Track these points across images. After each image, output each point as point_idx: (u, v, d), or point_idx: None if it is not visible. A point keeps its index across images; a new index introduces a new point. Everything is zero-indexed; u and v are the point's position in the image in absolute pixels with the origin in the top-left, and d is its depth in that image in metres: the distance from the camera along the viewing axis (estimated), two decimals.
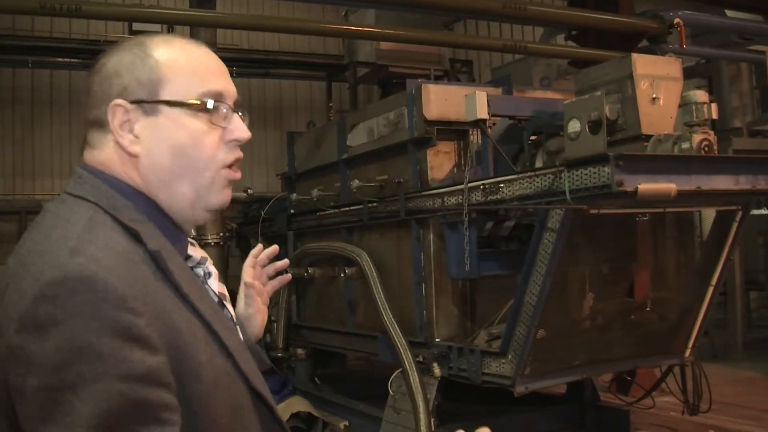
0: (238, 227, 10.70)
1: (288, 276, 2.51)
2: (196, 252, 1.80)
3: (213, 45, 8.61)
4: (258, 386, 1.67)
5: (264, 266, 2.43)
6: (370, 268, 6.80)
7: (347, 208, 7.66)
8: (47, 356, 1.32)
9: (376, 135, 7.37)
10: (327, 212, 8.06)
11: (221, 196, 1.76)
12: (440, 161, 6.61)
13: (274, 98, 14.86)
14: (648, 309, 6.26)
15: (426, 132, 6.50)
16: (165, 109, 1.66)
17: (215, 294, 1.80)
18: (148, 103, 1.65)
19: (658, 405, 7.36)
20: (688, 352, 6.43)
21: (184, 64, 1.70)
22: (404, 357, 6.17)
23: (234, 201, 8.47)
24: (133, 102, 1.64)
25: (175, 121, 1.67)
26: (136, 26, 13.11)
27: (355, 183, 7.37)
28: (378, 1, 8.83)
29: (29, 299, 1.36)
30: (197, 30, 8.73)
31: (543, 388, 6.07)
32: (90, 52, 13.09)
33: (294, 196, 8.96)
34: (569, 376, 6.08)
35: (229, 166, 1.76)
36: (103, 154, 1.68)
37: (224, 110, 1.73)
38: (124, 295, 1.38)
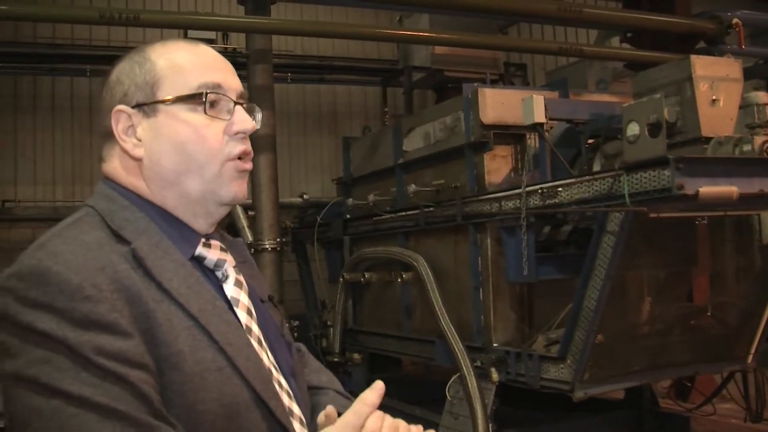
0: (294, 231, 10.72)
1: None
2: (212, 254, 1.75)
3: (268, 51, 8.68)
4: (260, 388, 1.60)
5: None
6: (426, 272, 6.80)
7: (403, 213, 7.66)
8: (7, 347, 1.39)
9: (433, 139, 7.37)
10: (383, 217, 8.08)
11: (232, 189, 1.73)
12: (497, 165, 6.59)
13: (328, 104, 14.89)
14: (708, 314, 6.19)
15: (483, 136, 6.49)
16: (163, 107, 1.69)
17: (225, 298, 1.72)
18: (147, 104, 1.69)
19: (719, 412, 7.27)
20: (750, 358, 6.35)
21: (179, 61, 1.72)
22: (462, 362, 6.16)
23: (290, 206, 8.49)
24: (134, 107, 1.69)
25: (174, 117, 1.68)
26: (191, 34, 13.28)
27: (412, 188, 7.37)
28: (432, 5, 8.84)
29: None
30: (252, 37, 8.79)
31: (601, 393, 6.03)
32: None
33: (350, 201, 8.98)
34: (628, 381, 6.04)
35: (239, 159, 1.73)
36: (110, 165, 1.74)
37: (224, 102, 1.72)
38: (79, 285, 1.40)
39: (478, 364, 6.22)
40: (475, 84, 6.89)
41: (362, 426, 1.56)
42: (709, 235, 6.24)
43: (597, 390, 5.74)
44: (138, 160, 1.69)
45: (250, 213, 8.34)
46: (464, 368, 6.12)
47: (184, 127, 1.68)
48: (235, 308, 1.72)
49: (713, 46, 9.81)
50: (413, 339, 7.68)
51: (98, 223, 1.60)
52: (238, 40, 12.59)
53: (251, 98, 1.71)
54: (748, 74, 9.47)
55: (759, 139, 4.90)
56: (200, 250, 1.73)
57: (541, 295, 6.43)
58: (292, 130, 14.21)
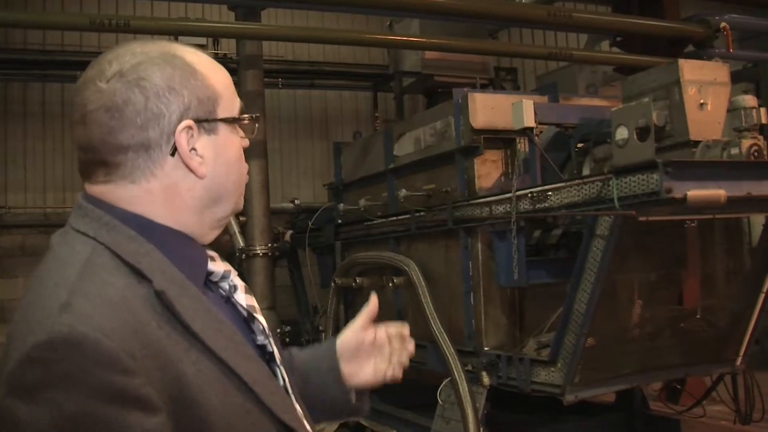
0: (286, 238, 10.71)
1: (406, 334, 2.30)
2: (217, 266, 1.71)
3: (259, 57, 8.69)
4: (287, 419, 1.58)
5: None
6: (418, 277, 6.81)
7: (395, 218, 7.67)
8: (37, 423, 1.26)
9: (423, 144, 7.38)
10: (374, 222, 8.08)
11: (242, 201, 1.78)
12: (487, 170, 6.61)
13: (319, 109, 14.91)
14: (698, 316, 6.21)
15: (473, 141, 6.51)
16: (222, 126, 1.65)
17: (243, 308, 1.72)
18: (209, 121, 1.62)
19: (709, 414, 7.29)
20: (739, 361, 6.37)
21: (223, 77, 1.69)
22: (453, 366, 6.17)
23: (281, 212, 8.53)
24: (195, 121, 1.59)
25: (227, 138, 1.66)
26: (182, 40, 13.27)
27: (403, 192, 7.38)
28: (422, 11, 8.86)
29: (16, 360, 1.30)
30: (243, 42, 8.80)
31: (592, 396, 6.05)
32: None
33: (341, 206, 8.99)
34: (619, 384, 6.05)
35: None
36: (132, 188, 1.58)
37: (257, 121, 1.74)
38: (116, 355, 1.29)
39: (470, 368, 6.24)
40: (465, 89, 6.90)
41: (356, 336, 2.19)
42: (698, 238, 6.26)
43: (587, 393, 5.76)
44: (201, 178, 1.60)
45: (241, 219, 8.35)
46: (455, 372, 6.14)
47: (233, 148, 1.68)
48: (255, 315, 1.72)
49: (702, 49, 9.85)
50: None
51: (112, 264, 1.47)
52: (228, 46, 12.61)
53: (242, 104, 1.72)
54: (737, 78, 9.53)
55: (746, 143, 4.92)
56: (209, 265, 1.69)
57: (532, 299, 6.44)
58: (284, 136, 14.23)
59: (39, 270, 1.50)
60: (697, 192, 4.59)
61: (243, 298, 1.73)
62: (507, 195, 5.92)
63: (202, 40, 13.29)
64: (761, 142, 5.02)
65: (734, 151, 4.92)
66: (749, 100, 5.21)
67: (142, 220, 1.56)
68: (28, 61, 12.61)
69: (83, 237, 1.52)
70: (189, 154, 1.58)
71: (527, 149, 6.33)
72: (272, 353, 1.74)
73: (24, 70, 12.71)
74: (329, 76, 14.59)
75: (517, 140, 6.50)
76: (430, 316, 6.52)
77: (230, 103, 1.68)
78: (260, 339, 1.73)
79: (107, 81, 1.55)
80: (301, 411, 1.73)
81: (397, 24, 11.04)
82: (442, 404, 6.46)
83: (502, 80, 14.26)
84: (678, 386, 8.00)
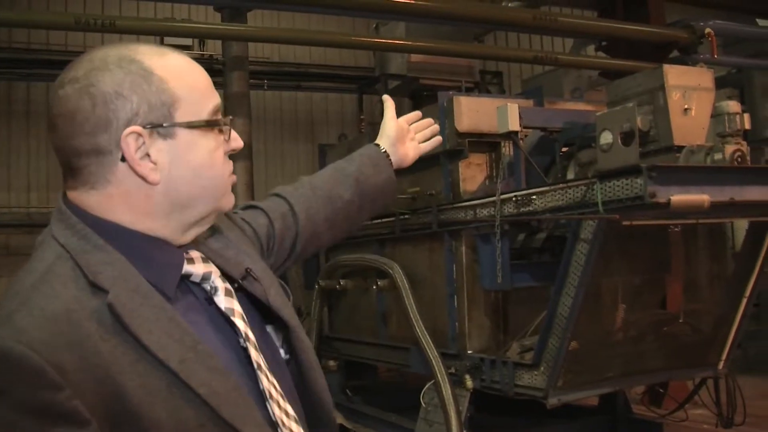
0: None
1: (439, 138, 2.75)
2: (197, 268, 1.69)
3: (245, 58, 8.68)
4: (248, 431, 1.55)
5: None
6: (402, 279, 6.81)
7: (379, 220, 7.65)
8: None
9: None
10: None
11: (229, 201, 1.75)
12: (472, 173, 6.62)
13: (305, 111, 14.90)
14: (681, 321, 6.23)
15: (458, 144, 6.52)
16: (181, 131, 1.61)
17: (217, 312, 1.69)
18: (164, 127, 1.59)
19: (692, 418, 7.32)
20: (721, 365, 6.39)
21: (189, 80, 1.65)
22: (436, 369, 6.17)
23: None
24: (145, 126, 1.56)
25: (192, 142, 1.62)
26: (167, 40, 13.25)
27: None
28: (408, 14, 8.87)
29: None
30: (229, 44, 8.80)
31: (575, 400, 6.05)
32: None
33: None
34: (602, 388, 6.06)
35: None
36: (93, 193, 1.60)
37: (226, 124, 1.70)
38: (42, 369, 1.31)
39: (453, 371, 6.24)
40: (451, 92, 6.90)
41: (398, 124, 2.58)
42: (682, 242, 6.28)
43: (571, 397, 5.77)
44: (154, 184, 1.58)
45: None
46: (439, 375, 6.14)
47: (200, 152, 1.64)
48: (232, 317, 1.68)
49: (687, 55, 9.91)
50: (389, 346, 7.69)
51: (70, 274, 1.48)
52: (214, 47, 12.58)
53: (228, 106, 1.72)
54: (721, 83, 9.58)
55: (730, 148, 4.94)
56: (185, 267, 1.66)
57: (516, 303, 6.45)
58: (269, 137, 14.22)
59: (19, 271, 1.54)
60: (680, 197, 4.60)
61: (222, 300, 1.70)
62: (491, 198, 5.92)
63: (188, 41, 13.29)
64: (744, 147, 5.04)
65: (718, 156, 4.94)
66: (733, 105, 5.23)
67: (112, 227, 1.57)
68: (12, 59, 12.56)
69: (55, 243, 1.54)
70: (137, 160, 1.56)
71: (512, 153, 6.35)
72: (254, 359, 1.69)
73: (8, 69, 12.65)
74: (315, 78, 14.59)
75: (502, 144, 6.52)
76: (413, 319, 6.52)
77: (196, 106, 1.64)
78: (241, 342, 1.69)
79: (63, 87, 1.57)
80: (283, 414, 1.68)
81: (383, 27, 11.07)
82: (426, 407, 6.46)
83: (487, 84, 14.28)
84: (661, 390, 8.03)
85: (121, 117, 1.54)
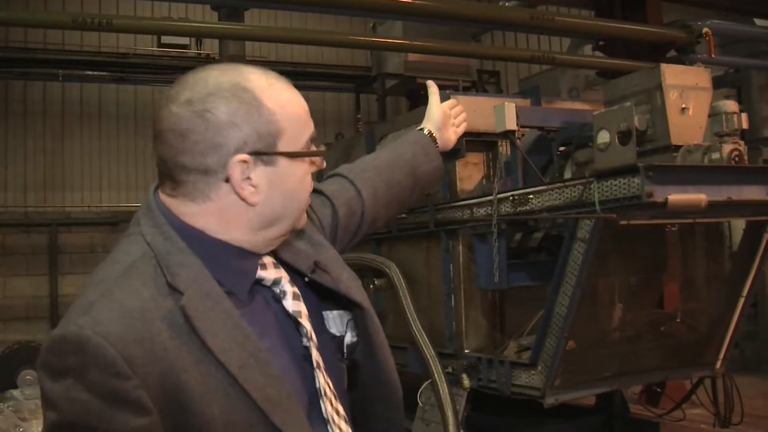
0: None
1: (465, 125, 2.92)
2: (268, 273, 1.80)
3: (242, 57, 8.67)
4: None
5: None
6: (399, 279, 6.78)
7: None
8: (54, 397, 1.50)
9: None
10: None
11: (304, 219, 1.89)
12: (469, 172, 6.61)
13: None
14: (678, 320, 6.22)
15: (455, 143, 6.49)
16: (282, 159, 1.73)
17: (288, 315, 1.80)
18: (267, 155, 1.70)
19: (689, 417, 7.30)
20: (719, 364, 6.38)
21: (291, 111, 1.76)
22: (433, 368, 6.15)
23: None
24: (251, 153, 1.68)
25: (289, 168, 1.74)
26: (165, 39, 13.25)
27: None
28: (405, 13, 8.86)
29: (47, 343, 1.54)
30: (226, 43, 8.78)
31: (572, 399, 6.05)
32: (119, 66, 13.19)
33: None
34: (599, 387, 6.06)
35: None
36: (191, 206, 1.72)
37: (323, 154, 1.84)
38: (113, 359, 1.47)
39: (450, 370, 6.22)
40: (448, 91, 6.87)
41: (442, 110, 2.74)
42: (679, 242, 6.28)
43: (568, 396, 5.76)
44: (253, 206, 1.71)
45: None
46: (436, 375, 6.11)
47: (295, 177, 1.76)
48: (299, 319, 1.79)
49: (684, 55, 9.91)
50: None
51: (152, 273, 1.63)
52: (212, 46, 12.61)
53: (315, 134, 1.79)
54: (718, 83, 9.57)
55: (727, 148, 4.93)
56: (258, 273, 1.78)
57: (513, 302, 6.44)
58: None
59: (106, 259, 1.71)
60: (678, 196, 4.59)
61: (290, 304, 1.80)
62: (488, 198, 5.91)
63: (185, 40, 13.31)
64: (742, 147, 5.03)
65: (715, 155, 4.93)
66: (730, 105, 5.22)
67: (197, 233, 1.71)
68: (9, 59, 12.55)
69: (142, 240, 1.69)
70: (241, 183, 1.68)
71: (509, 152, 6.34)
72: (315, 358, 1.80)
73: (5, 68, 12.64)
74: (312, 77, 14.58)
75: (499, 143, 6.51)
76: (410, 318, 6.49)
77: (295, 136, 1.75)
78: (305, 342, 1.80)
79: (178, 105, 1.68)
80: (334, 413, 1.79)
81: (381, 26, 11.06)
82: (423, 406, 6.44)
83: (484, 83, 14.25)
84: (658, 389, 8.03)
85: (231, 143, 1.67)
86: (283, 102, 1.74)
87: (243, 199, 1.69)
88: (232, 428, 1.57)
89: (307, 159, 1.78)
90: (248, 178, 1.69)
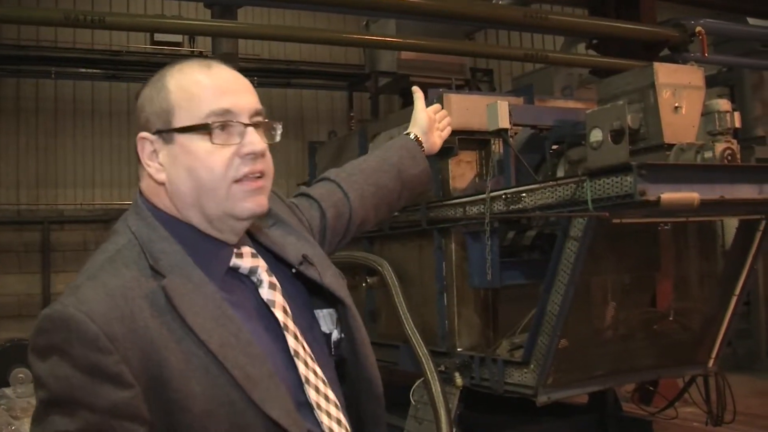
0: None
1: (449, 129, 2.95)
2: (244, 262, 1.85)
3: (235, 55, 8.65)
4: (276, 415, 1.67)
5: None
6: (391, 277, 6.78)
7: None
8: (43, 376, 1.56)
9: None
10: None
11: (246, 206, 1.80)
12: (462, 171, 6.60)
13: (295, 108, 14.89)
14: (671, 318, 6.24)
15: (448, 141, 6.48)
16: (178, 135, 1.78)
17: (264, 303, 1.84)
18: (165, 132, 1.79)
19: (681, 416, 7.32)
20: (711, 362, 6.40)
21: (192, 89, 1.79)
22: (426, 366, 6.15)
23: None
24: (154, 133, 1.80)
25: (186, 146, 1.77)
26: (158, 37, 13.22)
27: None
28: (399, 11, 8.85)
29: (35, 325, 1.61)
30: (219, 40, 8.76)
31: (565, 398, 6.05)
32: (112, 63, 13.15)
33: None
34: (592, 385, 6.06)
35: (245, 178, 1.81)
36: (143, 183, 1.85)
37: (234, 126, 1.78)
38: (96, 335, 1.54)
39: (443, 368, 6.22)
40: (441, 89, 6.88)
41: (428, 114, 2.79)
42: (671, 240, 6.29)
43: (560, 394, 5.76)
44: (161, 184, 1.80)
45: None
46: (428, 373, 6.11)
47: (194, 155, 1.77)
48: (272, 309, 1.83)
49: (677, 53, 9.91)
50: (378, 343, 7.65)
51: (135, 258, 1.71)
52: (204, 44, 12.57)
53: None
54: (711, 82, 9.58)
55: (720, 146, 4.94)
56: (234, 261, 1.84)
57: (505, 300, 6.44)
58: None
59: (94, 252, 1.79)
60: (670, 195, 4.59)
61: (266, 293, 1.85)
62: (481, 196, 5.91)
63: (178, 38, 13.28)
64: (734, 145, 5.04)
65: (708, 154, 4.94)
66: (723, 103, 5.23)
67: (172, 221, 1.80)
68: (1, 56, 12.51)
69: (128, 230, 1.77)
70: (147, 162, 1.81)
71: (502, 150, 6.34)
72: (292, 346, 1.84)
73: None
74: (305, 75, 14.58)
75: (492, 141, 6.51)
76: (403, 317, 6.49)
77: (191, 113, 1.78)
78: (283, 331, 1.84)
79: None
80: (322, 398, 1.83)
81: (374, 24, 11.04)
82: (415, 404, 6.44)
83: (478, 81, 14.26)
84: (651, 388, 8.02)
85: (141, 123, 1.82)
86: (184, 83, 1.80)
87: (151, 177, 1.81)
88: (213, 405, 1.61)
89: (206, 135, 1.76)
90: (157, 158, 1.80)
